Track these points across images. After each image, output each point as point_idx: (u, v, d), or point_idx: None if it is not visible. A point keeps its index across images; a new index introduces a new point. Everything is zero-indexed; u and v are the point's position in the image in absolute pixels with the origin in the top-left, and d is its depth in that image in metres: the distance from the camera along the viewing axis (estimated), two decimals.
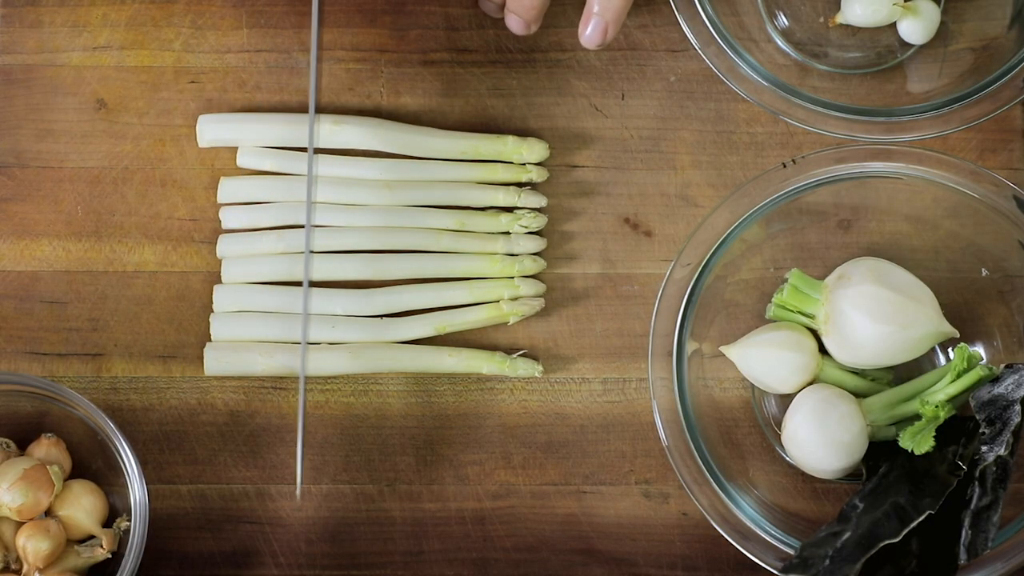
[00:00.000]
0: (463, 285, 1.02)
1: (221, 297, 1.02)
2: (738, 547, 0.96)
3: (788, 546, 0.95)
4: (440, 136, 1.03)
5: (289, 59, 1.05)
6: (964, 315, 1.00)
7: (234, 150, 1.04)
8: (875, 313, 0.96)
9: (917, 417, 0.96)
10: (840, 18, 1.03)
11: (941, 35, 1.03)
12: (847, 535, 0.91)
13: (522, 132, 1.04)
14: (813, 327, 0.99)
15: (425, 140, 1.03)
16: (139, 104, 1.04)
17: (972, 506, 0.92)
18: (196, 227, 1.03)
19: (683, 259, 0.97)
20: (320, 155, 1.02)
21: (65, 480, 0.98)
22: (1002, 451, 0.92)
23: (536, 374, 1.01)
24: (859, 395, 0.98)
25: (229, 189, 1.03)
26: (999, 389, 0.94)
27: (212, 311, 1.02)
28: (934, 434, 0.94)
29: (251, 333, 1.01)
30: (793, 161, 0.98)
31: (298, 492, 1.00)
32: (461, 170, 1.03)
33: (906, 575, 0.91)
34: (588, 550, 1.01)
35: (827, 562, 0.90)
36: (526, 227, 1.02)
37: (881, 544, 0.90)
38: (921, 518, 0.91)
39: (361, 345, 1.01)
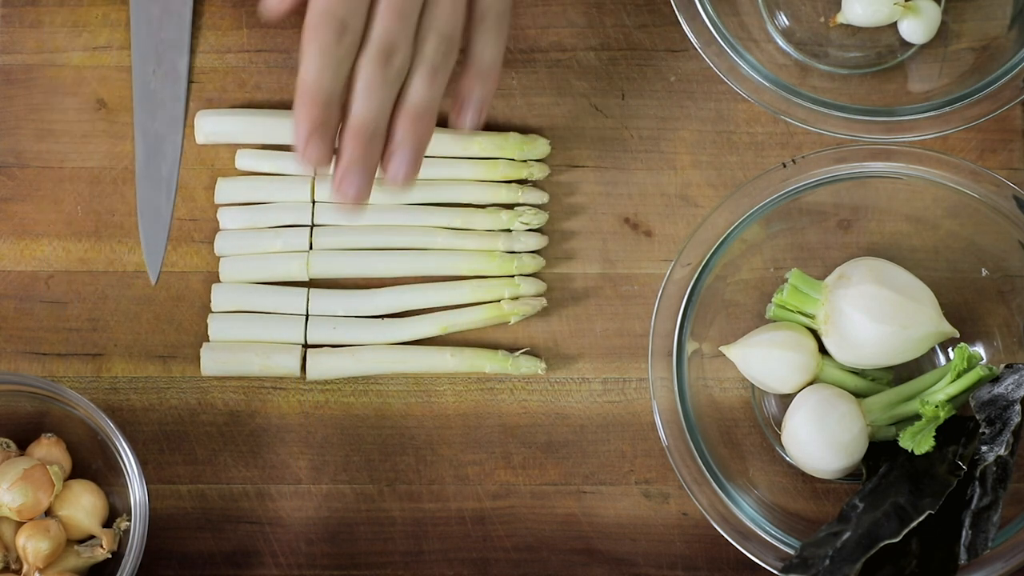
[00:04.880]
0: (464, 284, 1.02)
1: (219, 297, 1.02)
2: (738, 547, 0.96)
3: (788, 546, 0.95)
4: (443, 134, 1.02)
5: (289, 59, 1.05)
6: (964, 315, 1.00)
7: (234, 150, 1.04)
8: (875, 313, 0.96)
9: (917, 417, 0.96)
10: (840, 18, 1.03)
11: (941, 35, 1.03)
12: (847, 535, 0.91)
13: (522, 132, 1.03)
14: (813, 327, 0.99)
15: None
16: None
17: (972, 506, 0.92)
18: (196, 227, 1.03)
19: (683, 259, 0.97)
20: None
21: (65, 480, 0.98)
22: (1002, 451, 0.92)
23: (539, 371, 1.01)
24: (859, 395, 0.98)
25: (226, 190, 1.03)
26: (999, 389, 0.94)
27: (211, 311, 1.02)
28: (934, 434, 0.94)
29: (250, 334, 1.01)
30: (793, 161, 0.98)
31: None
32: (463, 168, 1.03)
33: (906, 575, 0.91)
34: (588, 550, 1.01)
35: (827, 562, 0.90)
36: (527, 224, 1.02)
37: (881, 544, 0.90)
38: (921, 518, 0.91)
39: (362, 347, 1.01)
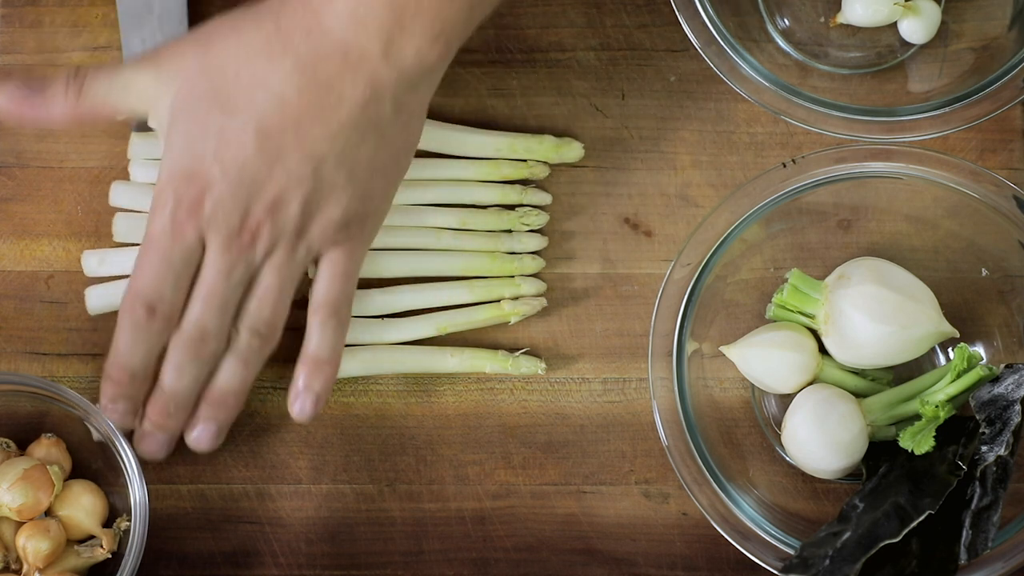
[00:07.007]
0: (463, 285, 1.02)
1: None
2: (738, 547, 0.96)
3: (788, 546, 0.95)
4: (479, 134, 1.02)
5: None
6: (964, 315, 1.00)
7: None
8: (875, 313, 0.96)
9: (917, 417, 0.96)
10: (841, 18, 1.03)
11: (941, 35, 1.03)
12: (847, 535, 0.91)
13: (521, 132, 1.03)
14: (813, 327, 0.99)
15: (463, 138, 1.02)
16: None
17: (972, 506, 0.92)
18: None
19: (683, 259, 0.97)
20: None
21: (65, 480, 0.98)
22: (1002, 451, 0.92)
23: (539, 371, 1.01)
24: (859, 395, 0.98)
25: None
26: (999, 389, 0.94)
27: None
28: (934, 434, 0.94)
29: None
30: (793, 161, 0.98)
31: None
32: (465, 168, 1.02)
33: (906, 575, 0.91)
34: (588, 550, 1.01)
35: (827, 562, 0.90)
36: (528, 225, 1.02)
37: (881, 544, 0.90)
38: (921, 518, 0.91)
39: (362, 347, 1.01)
